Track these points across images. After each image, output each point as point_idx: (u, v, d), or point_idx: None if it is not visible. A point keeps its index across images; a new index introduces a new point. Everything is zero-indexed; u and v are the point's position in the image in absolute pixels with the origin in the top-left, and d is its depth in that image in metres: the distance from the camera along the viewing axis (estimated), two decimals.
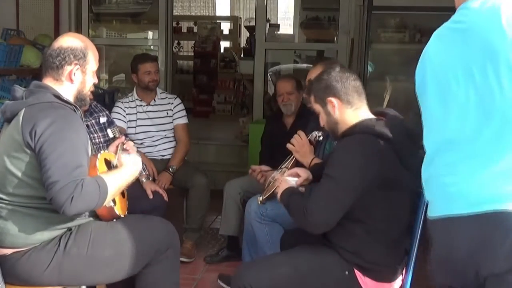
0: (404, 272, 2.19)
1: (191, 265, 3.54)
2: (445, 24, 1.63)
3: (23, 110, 2.02)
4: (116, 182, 2.07)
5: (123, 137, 2.48)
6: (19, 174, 2.00)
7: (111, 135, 3.07)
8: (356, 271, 2.08)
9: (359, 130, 2.06)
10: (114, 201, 2.16)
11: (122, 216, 2.21)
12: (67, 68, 2.12)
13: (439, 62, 1.61)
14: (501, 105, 1.44)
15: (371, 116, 2.15)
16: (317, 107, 2.21)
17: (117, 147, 2.39)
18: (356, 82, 2.15)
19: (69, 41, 2.16)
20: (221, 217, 3.55)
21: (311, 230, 2.08)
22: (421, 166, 1.60)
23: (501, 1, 1.48)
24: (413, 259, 2.17)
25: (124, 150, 2.38)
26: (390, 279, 2.12)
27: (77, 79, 2.15)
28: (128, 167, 2.20)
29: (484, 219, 1.42)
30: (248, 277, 2.09)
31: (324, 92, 2.15)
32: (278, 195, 2.29)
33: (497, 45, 1.44)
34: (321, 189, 2.05)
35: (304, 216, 2.03)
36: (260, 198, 2.85)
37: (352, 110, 2.13)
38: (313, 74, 2.89)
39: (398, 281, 2.16)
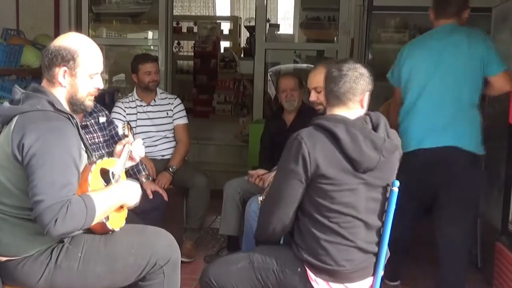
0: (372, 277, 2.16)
1: (191, 265, 3.54)
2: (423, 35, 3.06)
3: (15, 118, 1.95)
4: (106, 201, 1.98)
5: (131, 139, 2.35)
6: (8, 184, 1.96)
7: (121, 132, 3.00)
8: (307, 270, 2.09)
9: (314, 122, 2.11)
10: (107, 216, 2.06)
11: (117, 230, 2.12)
12: (55, 70, 2.02)
13: (418, 63, 2.97)
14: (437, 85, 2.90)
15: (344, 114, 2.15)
16: None
17: (124, 146, 2.30)
18: (341, 89, 2.10)
19: (62, 41, 2.04)
20: (221, 217, 3.55)
21: (269, 223, 2.14)
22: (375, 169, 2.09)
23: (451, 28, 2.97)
24: (382, 265, 2.14)
25: (131, 157, 2.29)
26: (343, 281, 2.09)
27: (66, 82, 2.03)
28: (124, 190, 2.11)
29: (438, 150, 2.62)
30: (209, 273, 2.20)
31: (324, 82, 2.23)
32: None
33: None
34: (272, 181, 2.19)
35: (261, 210, 2.21)
36: (261, 198, 2.84)
37: (328, 107, 2.19)
38: (313, 76, 2.90)
39: (355, 286, 2.12)
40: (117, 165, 2.23)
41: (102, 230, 2.09)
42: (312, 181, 2.04)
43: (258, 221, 2.24)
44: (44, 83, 2.07)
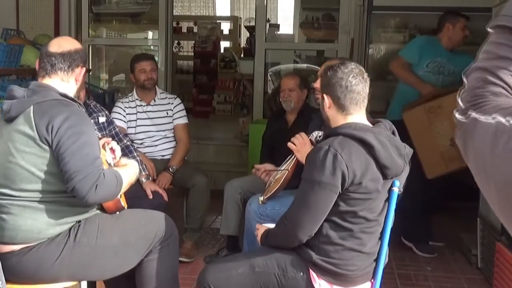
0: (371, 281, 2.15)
1: (191, 265, 3.54)
2: None
3: (31, 107, 2.05)
4: (127, 176, 2.17)
5: (109, 139, 2.53)
6: (32, 169, 2.03)
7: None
8: (311, 272, 2.08)
9: (341, 132, 2.04)
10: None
11: (125, 208, 2.31)
12: (77, 70, 2.23)
13: None
14: None
15: (362, 121, 2.11)
16: (321, 94, 2.21)
17: (103, 146, 2.43)
18: (357, 88, 2.07)
19: (75, 44, 2.28)
20: (221, 217, 3.55)
21: (294, 238, 2.07)
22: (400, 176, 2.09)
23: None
24: (381, 268, 2.13)
25: (110, 150, 2.45)
26: (347, 284, 2.08)
27: (80, 80, 2.26)
28: (133, 167, 2.32)
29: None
30: (208, 277, 2.17)
31: (324, 87, 2.15)
32: (259, 241, 2.27)
33: None
34: (298, 194, 2.08)
35: (285, 225, 2.09)
36: (261, 198, 2.85)
37: (342, 115, 2.11)
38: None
39: None
40: (107, 156, 2.42)
41: (115, 208, 2.25)
42: (345, 190, 1.99)
43: (280, 232, 2.15)
44: (53, 81, 2.19)
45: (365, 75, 2.11)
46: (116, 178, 2.05)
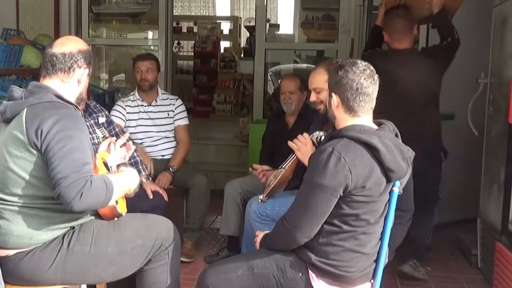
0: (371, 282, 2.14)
1: (191, 265, 3.54)
2: None
3: (24, 110, 2.01)
4: (120, 183, 2.08)
5: (113, 138, 2.50)
6: (23, 174, 2.00)
7: (100, 135, 3.09)
8: (310, 272, 2.07)
9: (345, 134, 2.01)
10: (115, 201, 2.16)
11: (123, 214, 2.23)
12: (78, 71, 2.16)
13: None
14: None
15: (368, 124, 2.08)
16: (327, 89, 2.16)
17: (109, 146, 2.42)
18: (368, 90, 2.03)
19: (80, 44, 2.21)
20: (221, 217, 3.55)
21: (293, 240, 2.06)
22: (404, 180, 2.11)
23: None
24: (381, 269, 2.13)
25: (123, 145, 2.42)
26: (346, 285, 2.07)
27: (83, 81, 2.19)
28: (129, 175, 2.23)
29: None
30: (208, 279, 2.15)
31: (334, 85, 2.08)
32: (257, 247, 2.26)
33: None
34: (298, 195, 2.07)
35: (284, 226, 2.06)
36: (261, 197, 2.85)
37: (349, 116, 2.07)
38: (312, 77, 2.84)
39: None
40: (110, 159, 2.37)
41: (111, 214, 2.18)
42: (348, 194, 1.97)
43: (279, 234, 2.13)
44: (52, 82, 2.14)
45: (376, 76, 2.06)
46: (106, 186, 1.95)
